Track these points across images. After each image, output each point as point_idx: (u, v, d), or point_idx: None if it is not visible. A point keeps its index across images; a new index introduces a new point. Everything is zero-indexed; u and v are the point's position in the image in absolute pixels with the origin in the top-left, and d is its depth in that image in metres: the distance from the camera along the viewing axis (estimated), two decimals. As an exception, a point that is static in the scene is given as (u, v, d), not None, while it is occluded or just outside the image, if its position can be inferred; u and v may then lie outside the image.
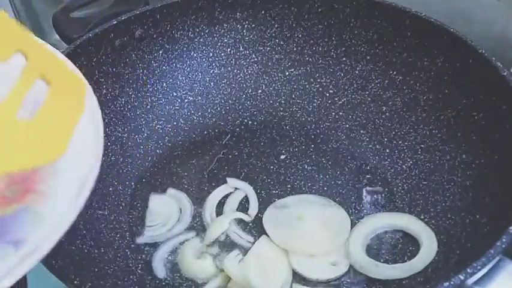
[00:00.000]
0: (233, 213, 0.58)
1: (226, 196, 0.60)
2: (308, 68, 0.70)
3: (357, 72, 0.68)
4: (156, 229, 0.57)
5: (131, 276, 0.52)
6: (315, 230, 0.55)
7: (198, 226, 0.58)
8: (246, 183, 0.61)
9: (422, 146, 0.61)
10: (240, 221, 0.57)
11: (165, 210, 0.59)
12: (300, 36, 0.70)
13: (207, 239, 0.55)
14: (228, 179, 0.61)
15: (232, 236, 0.56)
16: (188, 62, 0.70)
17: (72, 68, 0.41)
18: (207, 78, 0.70)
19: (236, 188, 0.61)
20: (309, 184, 0.61)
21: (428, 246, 0.52)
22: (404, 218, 0.56)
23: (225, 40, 0.71)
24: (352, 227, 0.56)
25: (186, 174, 0.63)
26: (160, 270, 0.54)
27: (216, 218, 0.58)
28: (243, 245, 0.55)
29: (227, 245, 0.55)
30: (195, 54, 0.70)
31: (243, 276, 0.51)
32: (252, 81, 0.71)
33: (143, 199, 0.60)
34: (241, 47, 0.71)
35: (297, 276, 0.52)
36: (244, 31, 0.71)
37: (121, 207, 0.59)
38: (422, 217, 0.56)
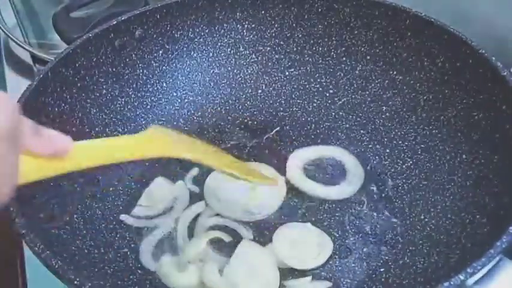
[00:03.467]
0: (208, 232, 0.56)
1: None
2: (308, 68, 0.70)
3: (357, 72, 0.68)
4: (143, 210, 0.58)
5: (131, 276, 0.52)
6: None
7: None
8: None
9: (422, 146, 0.61)
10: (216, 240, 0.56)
11: (161, 195, 0.59)
12: (300, 36, 0.70)
13: (184, 258, 0.54)
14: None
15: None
16: (188, 62, 0.70)
17: None
18: (207, 78, 0.70)
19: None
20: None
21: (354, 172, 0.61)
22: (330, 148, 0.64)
23: (225, 40, 0.71)
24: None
25: (185, 174, 0.63)
26: (148, 261, 0.54)
27: (190, 240, 0.56)
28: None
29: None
30: (195, 54, 0.70)
31: (230, 284, 0.50)
32: (252, 81, 0.71)
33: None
34: (241, 47, 0.71)
35: (286, 273, 0.53)
36: (244, 31, 0.71)
37: (121, 207, 0.59)
38: (422, 217, 0.56)
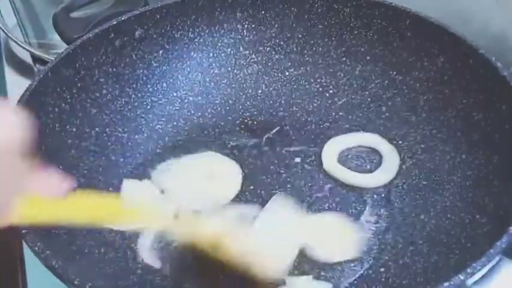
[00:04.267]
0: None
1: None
2: (308, 68, 0.70)
3: (357, 72, 0.68)
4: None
5: (131, 276, 0.52)
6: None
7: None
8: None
9: (422, 146, 0.61)
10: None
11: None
12: (300, 36, 0.70)
13: None
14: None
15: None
16: (188, 62, 0.70)
17: None
18: (207, 78, 0.70)
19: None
20: (309, 184, 0.61)
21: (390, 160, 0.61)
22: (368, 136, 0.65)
23: (225, 40, 0.71)
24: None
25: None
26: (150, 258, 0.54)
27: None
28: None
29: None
30: (195, 54, 0.70)
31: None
32: (252, 81, 0.71)
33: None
34: (241, 47, 0.71)
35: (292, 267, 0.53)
36: (244, 31, 0.71)
37: (121, 207, 0.59)
38: (422, 217, 0.56)
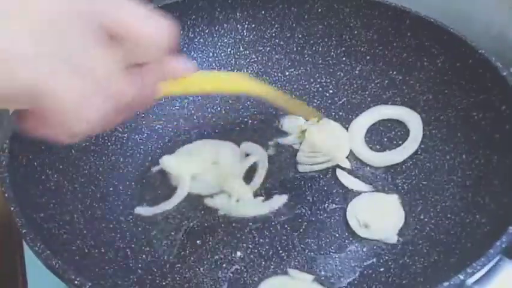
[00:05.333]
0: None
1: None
2: (308, 68, 0.70)
3: (357, 72, 0.68)
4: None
5: (131, 276, 0.52)
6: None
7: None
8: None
9: (422, 146, 0.61)
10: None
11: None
12: (300, 36, 0.70)
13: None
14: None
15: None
16: (188, 62, 0.70)
17: None
18: (207, 78, 0.70)
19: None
20: (309, 184, 0.61)
21: (415, 129, 0.62)
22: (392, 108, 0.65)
23: (225, 40, 0.71)
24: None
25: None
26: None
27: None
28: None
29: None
30: (195, 54, 0.70)
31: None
32: (252, 81, 0.71)
33: (143, 199, 0.60)
34: (241, 47, 0.71)
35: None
36: (244, 31, 0.71)
37: (121, 207, 0.59)
38: (422, 217, 0.56)
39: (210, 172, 0.62)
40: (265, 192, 0.60)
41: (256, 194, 0.60)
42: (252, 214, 0.58)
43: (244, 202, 0.59)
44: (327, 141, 0.63)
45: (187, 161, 0.63)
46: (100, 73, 0.29)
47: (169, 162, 0.62)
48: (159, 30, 0.33)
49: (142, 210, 0.59)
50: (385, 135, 0.64)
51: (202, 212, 0.59)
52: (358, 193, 0.60)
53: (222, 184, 0.61)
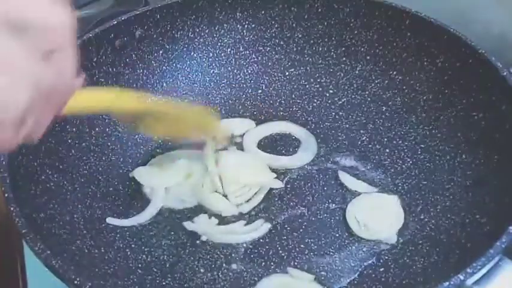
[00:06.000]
0: None
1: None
2: (308, 68, 0.70)
3: (357, 72, 0.68)
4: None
5: (131, 276, 0.52)
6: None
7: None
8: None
9: (422, 146, 0.61)
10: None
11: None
12: (300, 36, 0.70)
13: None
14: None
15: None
16: (188, 62, 0.70)
17: None
18: (207, 78, 0.70)
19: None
20: (309, 184, 0.61)
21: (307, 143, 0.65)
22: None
23: (225, 40, 0.71)
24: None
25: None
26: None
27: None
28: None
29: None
30: (195, 54, 0.70)
31: None
32: (252, 81, 0.71)
33: (143, 199, 0.60)
34: (241, 47, 0.71)
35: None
36: (244, 31, 0.71)
37: (121, 207, 0.59)
38: (422, 217, 0.56)
39: (183, 186, 0.60)
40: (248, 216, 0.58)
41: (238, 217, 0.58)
42: (235, 241, 0.55)
43: (226, 227, 0.57)
44: (244, 170, 0.61)
45: (160, 173, 0.61)
46: (16, 62, 0.30)
47: (141, 174, 0.61)
48: (65, 14, 0.32)
49: (115, 222, 0.57)
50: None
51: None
52: (358, 193, 0.60)
53: (199, 198, 0.59)
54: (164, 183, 0.60)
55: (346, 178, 0.61)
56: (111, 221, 0.56)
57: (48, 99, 0.33)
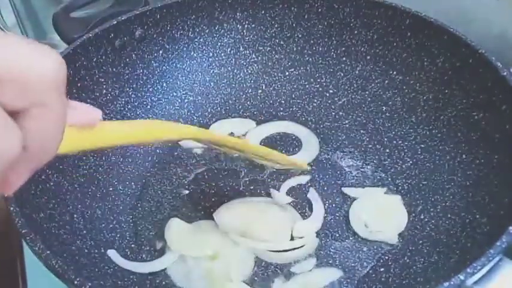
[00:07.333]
0: None
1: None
2: (308, 68, 0.70)
3: (357, 72, 0.68)
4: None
5: (131, 276, 0.52)
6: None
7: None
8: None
9: (422, 146, 0.61)
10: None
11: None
12: (300, 36, 0.70)
13: None
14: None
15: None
16: (188, 62, 0.70)
17: None
18: (207, 78, 0.70)
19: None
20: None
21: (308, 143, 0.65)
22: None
23: (225, 40, 0.71)
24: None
25: (186, 174, 0.63)
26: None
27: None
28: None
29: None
30: (195, 54, 0.70)
31: None
32: (252, 81, 0.71)
33: (143, 199, 0.60)
34: (241, 47, 0.71)
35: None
36: (244, 31, 0.71)
37: (121, 207, 0.59)
38: (422, 217, 0.56)
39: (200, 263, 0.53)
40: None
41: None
42: None
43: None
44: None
45: (187, 236, 0.55)
46: None
47: (170, 227, 0.56)
48: (50, 65, 0.27)
49: (119, 261, 0.53)
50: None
51: (200, 208, 0.59)
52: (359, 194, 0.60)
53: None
54: (183, 250, 0.54)
55: (348, 190, 0.60)
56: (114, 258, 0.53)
57: (20, 163, 0.27)
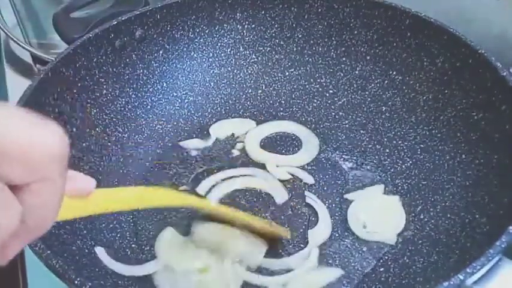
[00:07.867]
0: None
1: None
2: (308, 68, 0.70)
3: (357, 72, 0.68)
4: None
5: (131, 276, 0.52)
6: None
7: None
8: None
9: (421, 146, 0.61)
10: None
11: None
12: (300, 36, 0.70)
13: None
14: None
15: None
16: (188, 62, 0.70)
17: None
18: (207, 78, 0.70)
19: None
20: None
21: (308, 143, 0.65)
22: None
23: (225, 40, 0.71)
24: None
25: (186, 174, 0.63)
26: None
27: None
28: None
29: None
30: (195, 54, 0.70)
31: None
32: (252, 81, 0.71)
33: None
34: (241, 47, 0.71)
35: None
36: (244, 31, 0.71)
37: (121, 207, 0.59)
38: (422, 217, 0.56)
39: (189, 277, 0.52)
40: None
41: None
42: None
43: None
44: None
45: (178, 249, 0.54)
46: None
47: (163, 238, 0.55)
48: (50, 140, 0.26)
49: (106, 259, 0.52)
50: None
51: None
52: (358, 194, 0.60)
53: None
54: (171, 262, 0.53)
55: (347, 190, 0.60)
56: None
57: (16, 235, 0.26)
